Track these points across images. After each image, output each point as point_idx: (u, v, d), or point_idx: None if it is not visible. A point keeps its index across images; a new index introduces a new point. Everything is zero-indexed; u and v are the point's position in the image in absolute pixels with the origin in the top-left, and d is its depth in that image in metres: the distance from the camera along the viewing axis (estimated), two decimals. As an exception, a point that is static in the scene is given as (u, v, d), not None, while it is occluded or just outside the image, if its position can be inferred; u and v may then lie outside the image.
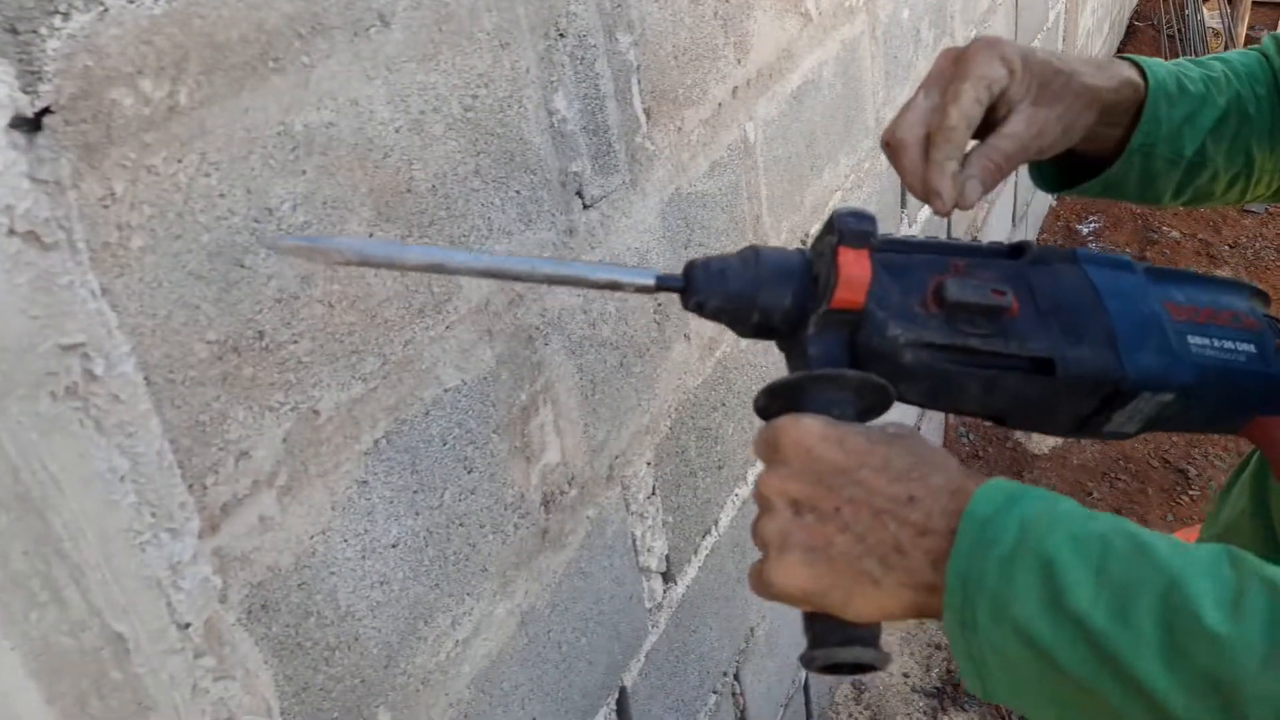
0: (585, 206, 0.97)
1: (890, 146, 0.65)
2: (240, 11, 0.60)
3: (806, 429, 0.51)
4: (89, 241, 0.53)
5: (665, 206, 1.12)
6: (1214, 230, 4.01)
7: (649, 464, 1.19)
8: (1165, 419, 0.60)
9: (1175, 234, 4.02)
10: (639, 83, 1.02)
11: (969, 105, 0.62)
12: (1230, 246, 3.89)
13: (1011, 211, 3.33)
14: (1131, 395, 0.57)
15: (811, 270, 0.57)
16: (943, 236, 2.42)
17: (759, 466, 0.68)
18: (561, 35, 0.89)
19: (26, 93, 0.50)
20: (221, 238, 0.61)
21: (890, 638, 2.67)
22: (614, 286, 0.57)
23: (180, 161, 0.58)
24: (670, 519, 1.27)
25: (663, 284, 0.57)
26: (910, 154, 0.63)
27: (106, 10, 0.52)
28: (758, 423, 0.56)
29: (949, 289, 0.55)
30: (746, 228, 1.34)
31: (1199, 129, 0.72)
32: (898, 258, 0.57)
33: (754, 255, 0.57)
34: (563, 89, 0.90)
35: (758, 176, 1.35)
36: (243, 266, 0.62)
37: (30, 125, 0.50)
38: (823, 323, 0.55)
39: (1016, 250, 0.60)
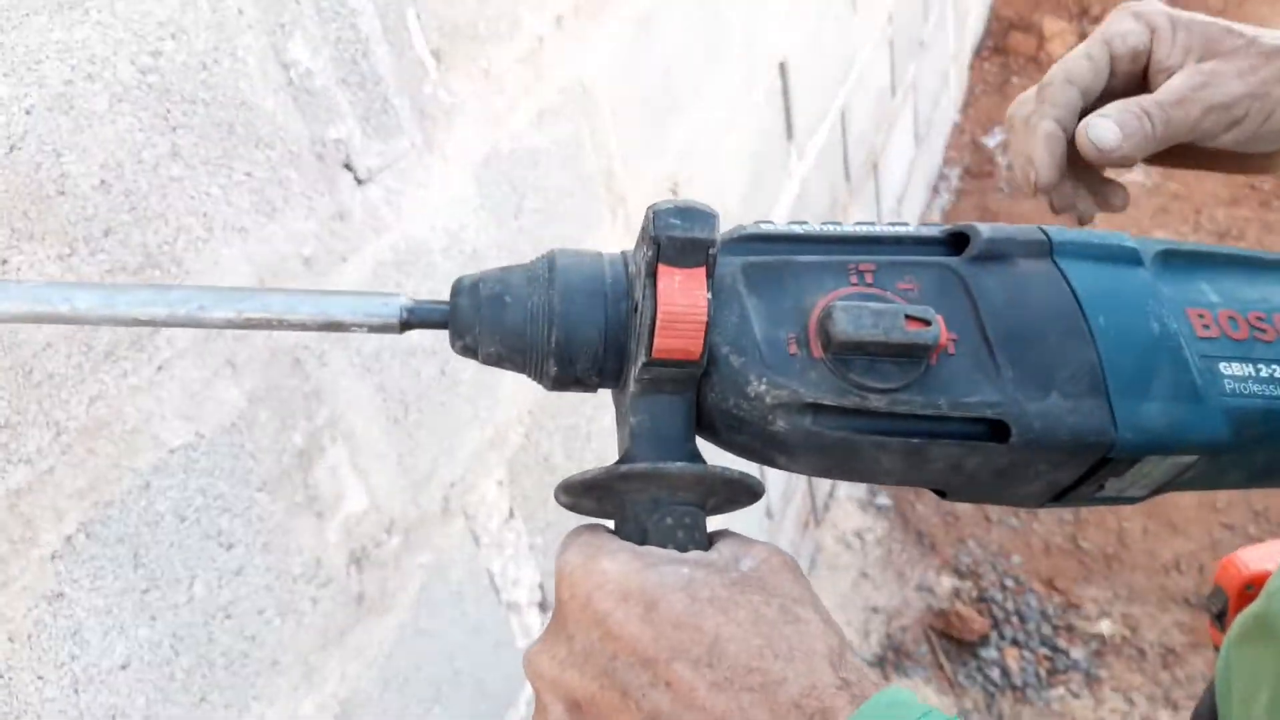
0: (360, 181, 0.79)
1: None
2: None
3: (600, 580, 0.35)
4: None
5: (481, 170, 0.94)
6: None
7: (500, 483, 1.03)
8: (1188, 481, 0.42)
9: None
10: (419, 17, 0.84)
11: (1074, 60, 0.55)
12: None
13: (913, 128, 3.23)
14: (1132, 460, 0.40)
15: (631, 288, 0.39)
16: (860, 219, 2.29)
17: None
18: (291, -38, 0.71)
19: None
20: None
21: (826, 602, 2.59)
22: (333, 327, 0.40)
23: None
24: (540, 540, 1.12)
25: (415, 319, 0.40)
26: (1015, 130, 0.56)
27: None
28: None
29: (835, 319, 0.37)
30: (596, 184, 1.18)
31: None
32: (768, 261, 0.39)
33: (547, 269, 0.40)
34: (300, 33, 0.72)
35: (604, 122, 1.19)
36: None
37: None
38: (647, 379, 0.38)
39: (956, 240, 0.42)
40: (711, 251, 0.36)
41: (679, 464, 0.38)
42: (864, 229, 0.41)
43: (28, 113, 0.54)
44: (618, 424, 0.41)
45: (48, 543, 0.57)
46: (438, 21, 0.86)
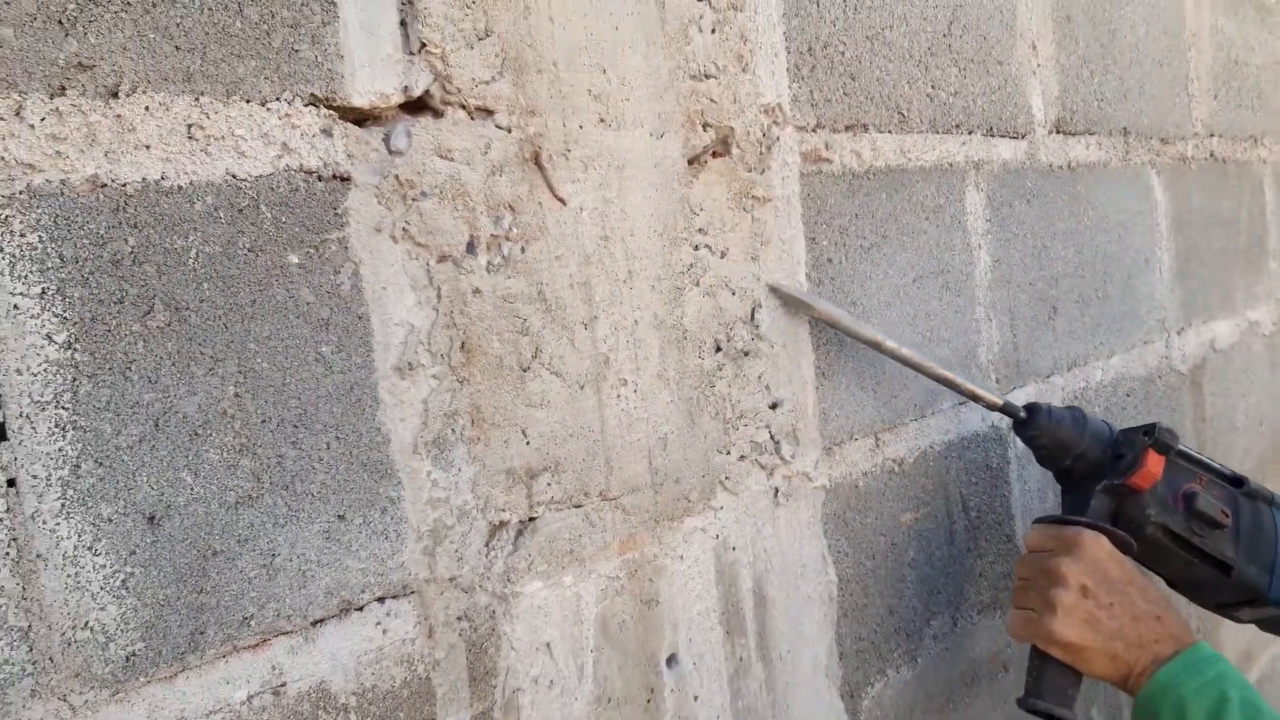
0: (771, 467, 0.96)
1: None
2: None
3: (1105, 547, 0.85)
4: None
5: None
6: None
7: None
8: (1274, 624, 0.95)
9: None
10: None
11: None
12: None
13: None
14: (1264, 604, 0.91)
15: (1116, 442, 0.90)
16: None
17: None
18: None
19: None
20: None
21: None
22: (974, 397, 0.91)
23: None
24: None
25: (1008, 410, 0.91)
26: None
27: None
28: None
29: (1199, 501, 0.88)
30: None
31: None
32: (1179, 468, 0.92)
33: (1083, 418, 0.91)
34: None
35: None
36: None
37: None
38: (1109, 488, 0.88)
39: (1238, 480, 0.94)
40: (1172, 451, 0.89)
41: (1125, 535, 0.86)
42: (1207, 459, 0.92)
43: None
44: (1066, 499, 0.91)
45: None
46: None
